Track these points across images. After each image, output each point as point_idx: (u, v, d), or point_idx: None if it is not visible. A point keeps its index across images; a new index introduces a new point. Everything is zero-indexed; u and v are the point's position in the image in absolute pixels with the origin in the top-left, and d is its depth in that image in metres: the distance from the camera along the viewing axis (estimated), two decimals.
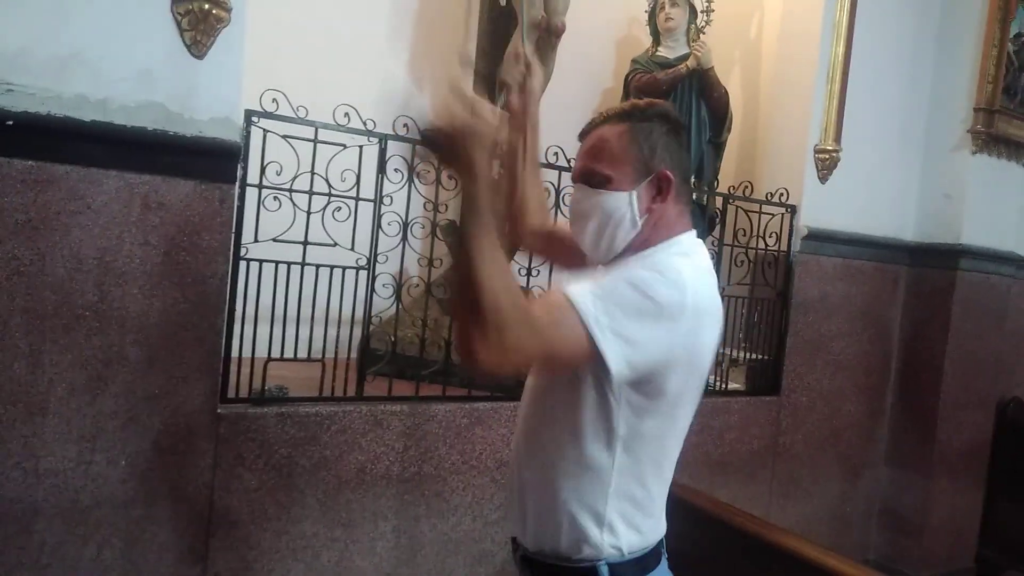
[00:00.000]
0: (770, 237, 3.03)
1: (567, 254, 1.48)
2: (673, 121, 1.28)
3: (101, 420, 1.84)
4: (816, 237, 3.14)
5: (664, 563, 1.31)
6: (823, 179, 3.14)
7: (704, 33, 3.26)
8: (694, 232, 1.28)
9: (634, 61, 3.26)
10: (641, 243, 1.25)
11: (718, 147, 3.23)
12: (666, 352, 1.14)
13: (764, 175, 3.24)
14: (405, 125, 2.20)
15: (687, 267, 1.18)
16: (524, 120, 1.48)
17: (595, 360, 1.11)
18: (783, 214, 3.08)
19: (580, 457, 1.21)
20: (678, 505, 1.37)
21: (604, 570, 1.22)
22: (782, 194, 3.05)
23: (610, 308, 1.10)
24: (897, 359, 3.53)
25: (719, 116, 3.17)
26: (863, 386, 3.46)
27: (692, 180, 2.88)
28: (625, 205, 1.23)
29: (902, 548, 3.49)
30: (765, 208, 3.02)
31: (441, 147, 1.06)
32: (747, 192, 2.96)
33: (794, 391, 3.20)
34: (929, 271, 3.43)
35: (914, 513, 3.47)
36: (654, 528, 1.29)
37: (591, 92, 3.48)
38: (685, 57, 3.16)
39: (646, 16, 3.35)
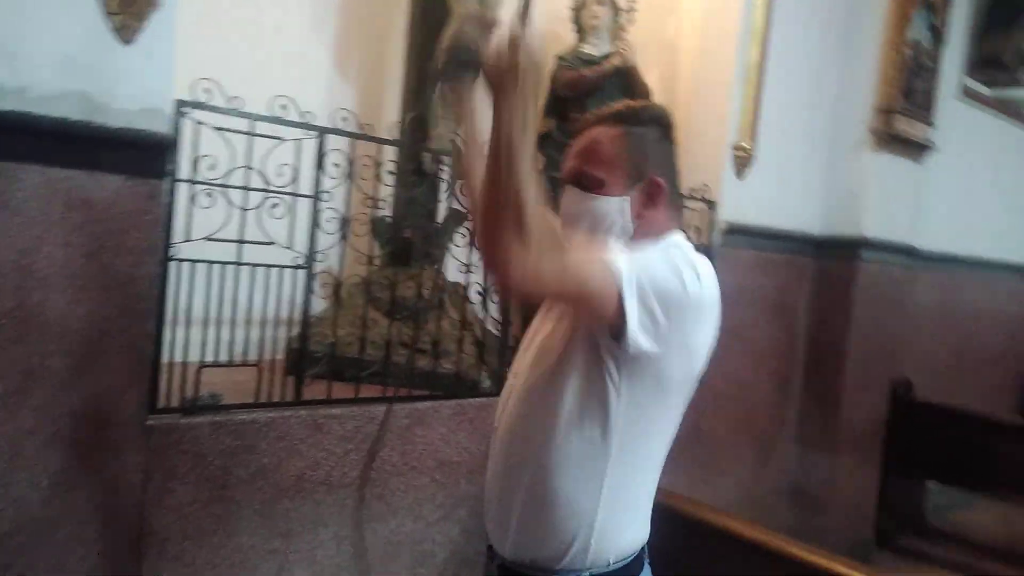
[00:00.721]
0: (692, 231, 3.12)
1: None
2: (666, 126, 1.28)
3: (20, 438, 1.67)
4: (734, 231, 3.26)
5: (647, 569, 1.31)
6: (740, 175, 3.26)
7: (626, 32, 3.30)
8: (682, 234, 1.29)
9: (560, 58, 3.26)
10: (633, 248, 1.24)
11: None
12: (676, 338, 1.15)
13: (684, 171, 3.31)
14: (344, 119, 2.12)
15: (699, 260, 1.19)
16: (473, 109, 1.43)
17: (615, 319, 1.10)
18: (703, 209, 3.17)
19: (575, 457, 1.20)
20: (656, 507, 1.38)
21: None
22: (703, 190, 3.15)
23: (643, 276, 1.11)
24: (804, 345, 3.72)
25: None
26: (774, 371, 3.63)
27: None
28: (616, 210, 1.23)
29: (810, 524, 3.68)
30: (687, 203, 3.10)
31: (493, 68, 1.09)
32: None
33: (714, 377, 3.27)
34: (833, 262, 3.63)
35: (820, 489, 3.67)
36: (640, 532, 1.29)
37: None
38: (609, 54, 3.20)
39: (569, 13, 3.36)
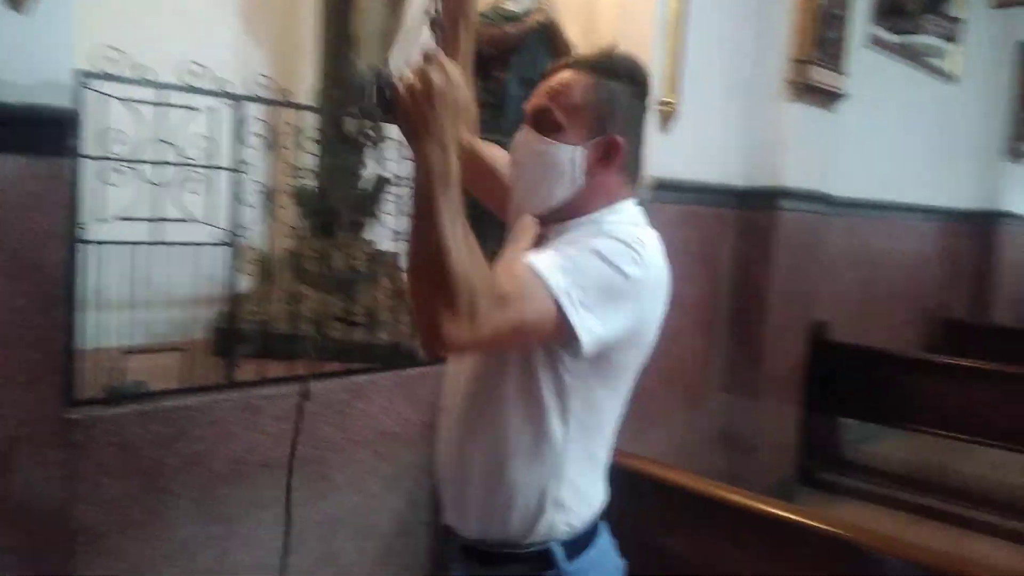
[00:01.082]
0: None
1: (487, 183, 1.41)
2: (641, 83, 1.24)
3: None
4: (660, 186, 3.28)
5: (604, 528, 1.33)
6: (664, 130, 3.27)
7: None
8: (634, 202, 1.26)
9: (481, 14, 3.17)
10: (580, 207, 1.21)
11: None
12: (628, 328, 1.14)
13: None
14: (262, 85, 2.01)
15: (646, 238, 1.17)
16: (459, 13, 1.37)
17: (564, 335, 1.08)
18: None
19: (534, 436, 1.19)
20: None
21: (557, 550, 1.22)
22: None
23: (579, 281, 1.07)
24: (728, 295, 3.81)
25: None
26: (700, 322, 3.71)
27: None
28: (568, 160, 1.18)
29: (740, 466, 3.83)
30: None
31: (405, 112, 1.00)
32: None
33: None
34: (754, 213, 3.71)
35: (748, 433, 3.81)
36: (600, 495, 1.30)
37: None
38: (531, 10, 3.13)
39: None
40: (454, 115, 1.00)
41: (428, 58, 1.01)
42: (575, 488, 1.23)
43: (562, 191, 1.20)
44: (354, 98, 1.09)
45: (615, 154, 1.20)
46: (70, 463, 1.77)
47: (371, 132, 2.39)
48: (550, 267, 1.07)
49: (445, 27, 1.30)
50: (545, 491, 1.21)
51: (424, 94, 0.99)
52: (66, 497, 1.77)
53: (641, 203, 1.28)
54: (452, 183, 0.99)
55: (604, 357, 1.15)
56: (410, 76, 1.00)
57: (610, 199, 1.22)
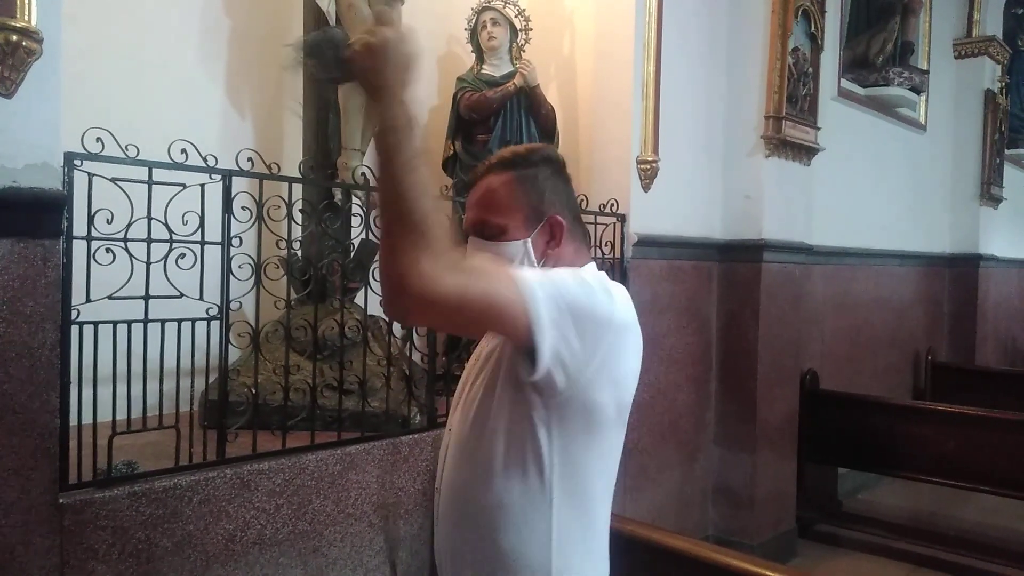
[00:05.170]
0: (605, 246, 3.16)
1: None
2: (556, 163, 1.30)
3: None
4: (644, 242, 3.32)
5: None
6: (646, 188, 3.33)
7: (525, 51, 3.32)
8: (594, 264, 1.29)
9: (460, 79, 3.25)
10: None
11: None
12: (592, 358, 1.12)
13: (592, 187, 3.36)
14: (250, 159, 2.03)
15: (613, 287, 1.19)
16: None
17: (528, 343, 1.07)
18: (614, 223, 3.22)
19: (517, 509, 1.17)
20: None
21: None
22: (612, 204, 3.19)
23: (549, 290, 1.08)
24: (717, 347, 3.83)
25: (548, 132, 3.25)
26: (691, 376, 3.71)
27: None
28: (521, 253, 1.23)
29: (736, 520, 3.79)
30: (599, 219, 3.14)
31: (360, 68, 1.04)
32: (583, 204, 3.06)
33: (638, 389, 3.36)
34: (737, 265, 3.75)
35: (743, 487, 3.78)
36: (599, 569, 1.27)
37: (418, 110, 3.43)
38: (511, 75, 3.21)
39: (466, 35, 3.35)
40: (406, 69, 1.04)
41: (380, 17, 1.06)
42: (571, 563, 1.20)
43: None
44: (303, 58, 1.11)
45: (560, 231, 1.25)
46: (62, 551, 1.73)
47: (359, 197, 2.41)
48: (523, 272, 1.10)
49: None
50: (539, 568, 1.18)
51: (380, 48, 1.02)
52: None
53: (625, 261, 1.31)
54: (410, 134, 1.03)
55: (578, 407, 1.14)
56: (363, 34, 1.04)
57: (572, 267, 1.25)
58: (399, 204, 1.00)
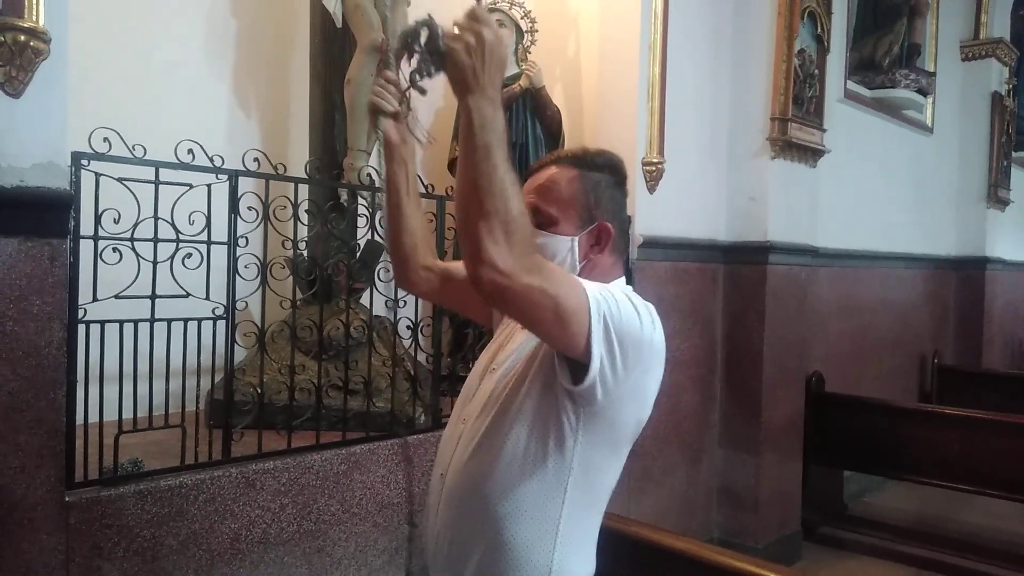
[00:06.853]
0: None
1: (465, 296, 1.45)
2: (620, 173, 1.31)
3: None
4: (649, 244, 3.31)
5: None
6: (651, 189, 3.32)
7: (530, 53, 3.33)
8: (624, 279, 1.31)
9: None
10: None
11: None
12: (628, 378, 1.14)
13: None
14: (256, 160, 2.04)
15: (648, 306, 1.19)
16: (404, 150, 1.46)
17: (580, 350, 1.09)
18: None
19: (532, 505, 1.19)
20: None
21: None
22: None
23: (610, 314, 1.09)
24: (722, 349, 3.82)
25: (553, 134, 3.26)
26: (696, 377, 3.71)
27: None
28: (566, 249, 1.24)
29: (740, 522, 3.79)
30: None
31: (455, 64, 1.03)
32: None
33: None
34: (742, 267, 3.74)
35: (747, 488, 3.77)
36: (589, 564, 1.29)
37: (423, 112, 3.43)
38: (517, 77, 3.21)
39: None
40: (500, 71, 1.04)
41: (475, 16, 1.05)
42: (570, 557, 1.22)
43: None
44: (401, 47, 1.11)
45: (606, 239, 1.26)
46: (68, 548, 1.73)
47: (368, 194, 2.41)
48: (591, 289, 1.11)
49: (386, 114, 1.43)
50: (541, 560, 1.20)
51: (477, 47, 1.02)
52: None
53: (630, 263, 1.32)
54: (501, 133, 1.03)
55: (606, 418, 1.17)
56: (461, 30, 1.04)
57: (605, 280, 1.26)
58: (489, 196, 1.01)
